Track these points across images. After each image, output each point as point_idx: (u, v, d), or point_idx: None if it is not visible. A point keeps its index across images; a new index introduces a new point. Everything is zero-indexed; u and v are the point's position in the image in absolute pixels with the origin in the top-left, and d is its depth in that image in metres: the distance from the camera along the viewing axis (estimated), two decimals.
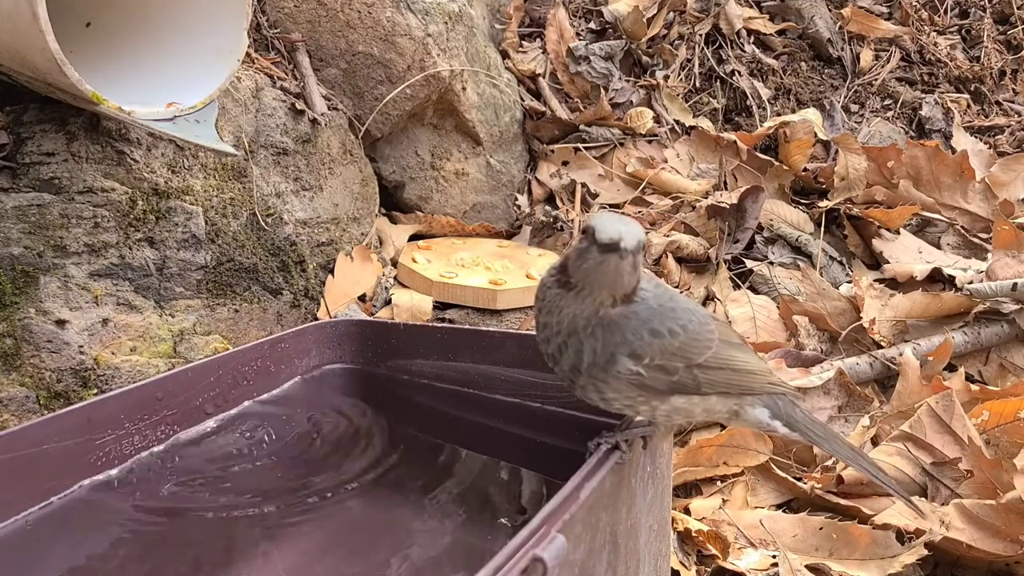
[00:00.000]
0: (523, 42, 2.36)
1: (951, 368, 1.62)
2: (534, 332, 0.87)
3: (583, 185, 2.15)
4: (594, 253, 0.77)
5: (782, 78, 2.49)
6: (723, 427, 1.49)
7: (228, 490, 1.00)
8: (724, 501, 1.34)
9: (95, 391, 1.25)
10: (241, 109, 1.60)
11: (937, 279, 1.85)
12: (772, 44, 2.56)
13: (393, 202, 2.04)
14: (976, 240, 2.03)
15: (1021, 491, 1.19)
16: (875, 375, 1.61)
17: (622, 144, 2.23)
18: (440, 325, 1.41)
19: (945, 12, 2.80)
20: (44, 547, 0.84)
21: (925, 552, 1.16)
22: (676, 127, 2.31)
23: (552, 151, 2.21)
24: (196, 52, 1.41)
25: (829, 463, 1.38)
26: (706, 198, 2.08)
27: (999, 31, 2.79)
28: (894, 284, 1.85)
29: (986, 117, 2.58)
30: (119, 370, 1.29)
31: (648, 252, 1.93)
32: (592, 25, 2.44)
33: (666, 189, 2.15)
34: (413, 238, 1.99)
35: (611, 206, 2.13)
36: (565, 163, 2.20)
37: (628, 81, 2.35)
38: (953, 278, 1.80)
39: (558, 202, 2.15)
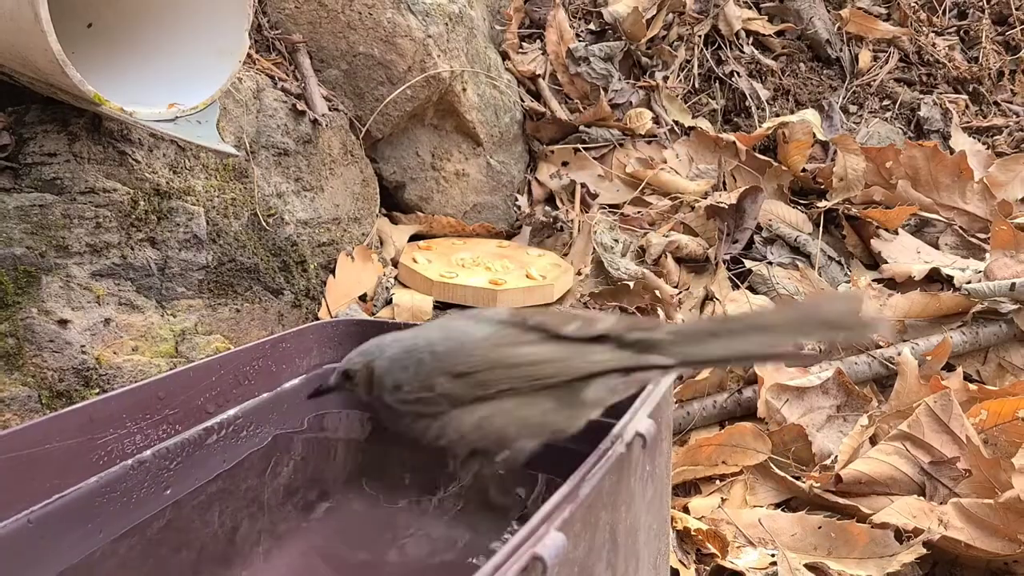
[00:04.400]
0: (523, 43, 2.36)
1: (949, 368, 1.63)
2: None
3: (583, 185, 2.15)
4: None
5: (781, 79, 2.50)
6: (722, 426, 1.49)
7: (229, 490, 1.00)
8: (723, 500, 1.34)
9: (97, 390, 1.25)
10: (242, 110, 1.60)
11: (935, 279, 1.85)
12: (771, 45, 2.57)
13: (394, 202, 2.05)
14: (974, 240, 2.04)
15: (1019, 490, 1.19)
16: (873, 374, 1.62)
17: (622, 145, 2.24)
18: None
19: (943, 13, 2.81)
20: (45, 546, 0.84)
21: (923, 551, 1.16)
22: (675, 128, 2.32)
23: (552, 152, 2.22)
24: (198, 53, 1.42)
25: (827, 462, 1.38)
26: (705, 198, 2.08)
27: (997, 32, 2.79)
28: (892, 284, 1.85)
29: (984, 117, 2.59)
30: (121, 370, 1.29)
31: (648, 252, 1.94)
32: (592, 26, 2.45)
33: (665, 189, 2.16)
34: (413, 238, 1.99)
35: (610, 206, 2.14)
36: (565, 164, 2.21)
37: (627, 82, 2.36)
38: (951, 278, 1.81)
39: (558, 202, 2.16)
